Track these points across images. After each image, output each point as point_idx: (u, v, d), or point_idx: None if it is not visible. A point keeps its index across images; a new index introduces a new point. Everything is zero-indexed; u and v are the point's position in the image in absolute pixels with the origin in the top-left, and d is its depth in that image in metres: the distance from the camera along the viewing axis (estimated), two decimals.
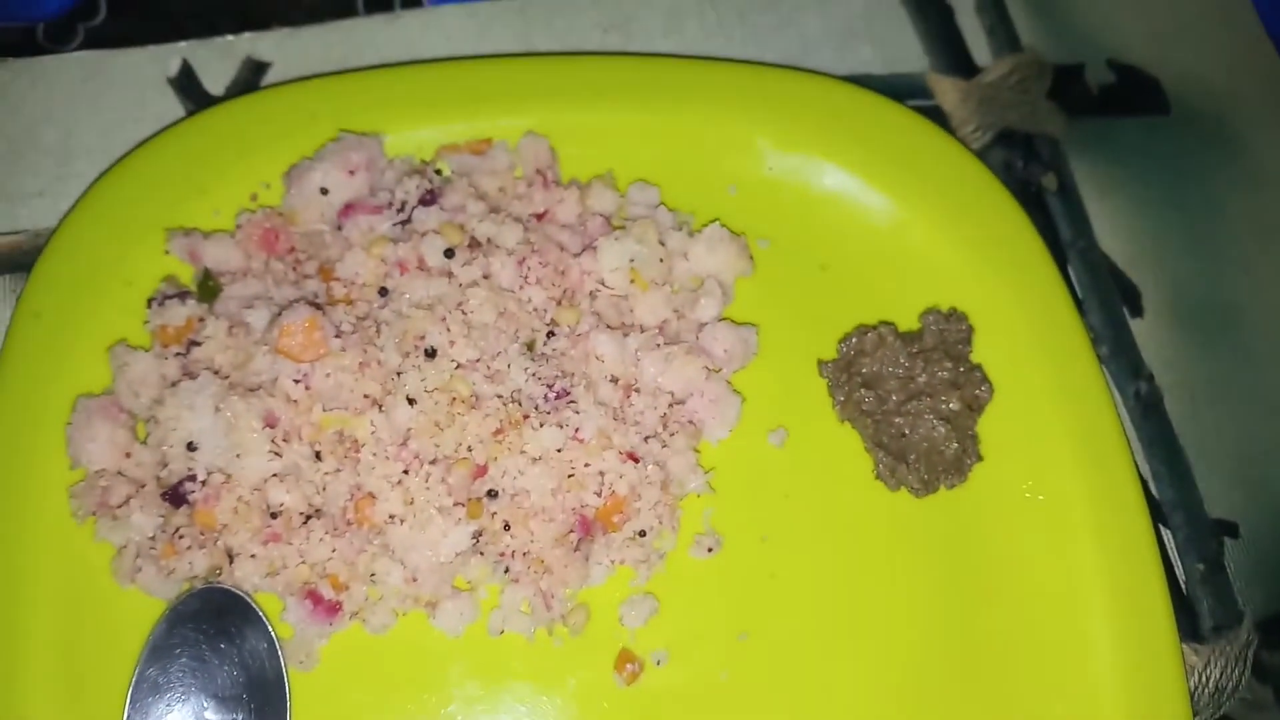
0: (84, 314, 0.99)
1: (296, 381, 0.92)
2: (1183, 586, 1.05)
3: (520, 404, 0.94)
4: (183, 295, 0.98)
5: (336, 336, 0.93)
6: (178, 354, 0.96)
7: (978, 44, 1.23)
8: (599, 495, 0.95)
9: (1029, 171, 1.18)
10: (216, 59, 1.15)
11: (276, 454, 0.91)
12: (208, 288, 0.99)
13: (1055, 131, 1.20)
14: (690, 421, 0.99)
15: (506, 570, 0.94)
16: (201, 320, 0.96)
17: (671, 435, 0.97)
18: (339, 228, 1.01)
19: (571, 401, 0.95)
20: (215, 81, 1.14)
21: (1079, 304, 1.05)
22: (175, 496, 0.92)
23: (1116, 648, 0.95)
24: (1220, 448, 1.09)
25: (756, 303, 1.05)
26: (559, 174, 1.06)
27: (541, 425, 0.93)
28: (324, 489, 0.92)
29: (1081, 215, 1.17)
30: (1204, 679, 1.02)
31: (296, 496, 0.92)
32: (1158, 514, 1.06)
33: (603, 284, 1.00)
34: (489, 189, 1.03)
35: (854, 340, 1.03)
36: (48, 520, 0.93)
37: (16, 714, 0.89)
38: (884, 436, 1.00)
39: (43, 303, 0.98)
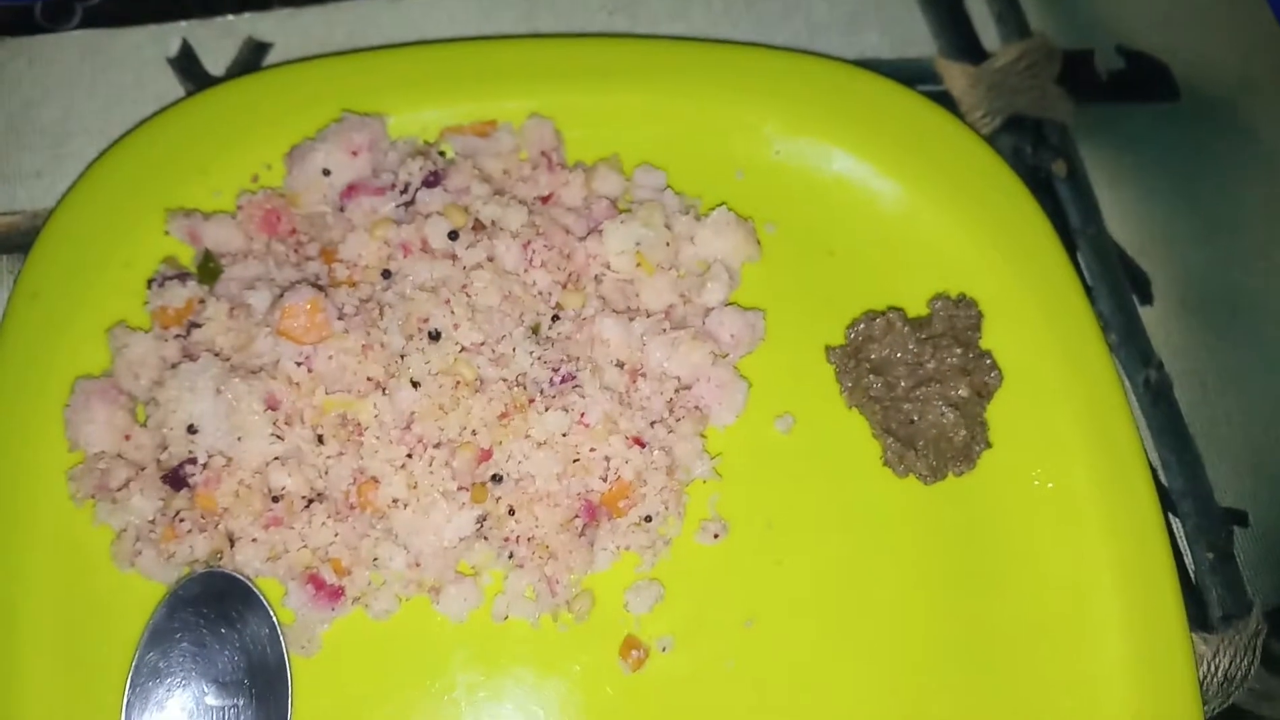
0: (83, 295, 0.98)
1: (298, 364, 0.91)
2: (1192, 575, 1.05)
3: (525, 388, 0.93)
4: (183, 276, 0.97)
5: (339, 319, 0.92)
6: (178, 336, 0.95)
7: (986, 29, 1.22)
8: (604, 480, 0.94)
9: (1038, 157, 1.17)
10: (217, 39, 1.14)
11: (278, 437, 0.90)
12: (208, 269, 0.97)
13: (1064, 117, 1.19)
14: (696, 407, 0.98)
15: (511, 555, 0.93)
16: (202, 302, 0.95)
17: (677, 420, 0.97)
18: (341, 209, 1.00)
19: (577, 386, 0.94)
20: (215, 62, 1.13)
21: (1088, 291, 1.04)
22: (175, 479, 0.91)
23: (1125, 636, 0.94)
24: (1230, 436, 1.09)
25: (763, 288, 1.04)
26: (564, 156, 1.05)
27: (547, 409, 0.92)
28: (326, 472, 0.91)
29: (1091, 202, 1.16)
30: (1213, 668, 1.01)
31: (298, 480, 0.90)
32: (1167, 502, 1.05)
33: (608, 268, 0.99)
34: (493, 171, 1.02)
35: (862, 326, 1.02)
36: (46, 503, 0.92)
37: (16, 699, 0.88)
38: (892, 423, 0.99)
39: (41, 284, 0.97)
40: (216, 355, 0.93)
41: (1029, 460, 1.00)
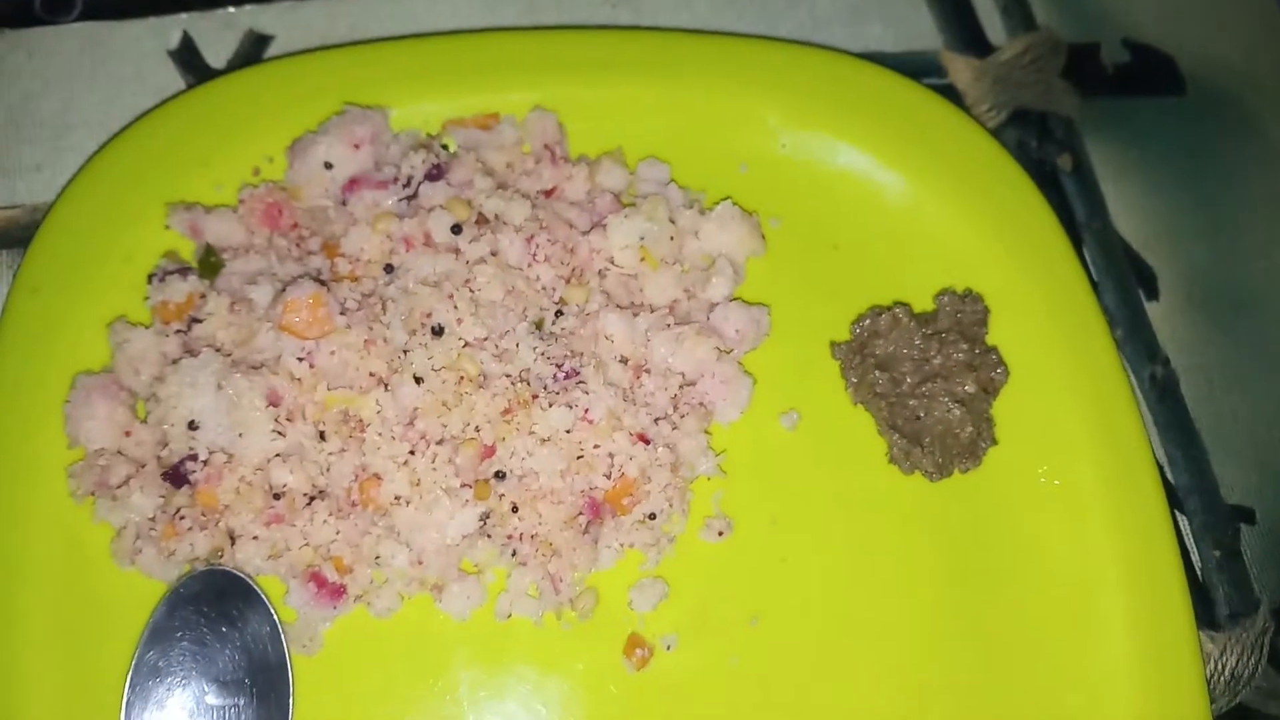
0: (82, 290, 0.97)
1: (300, 359, 0.90)
2: (1198, 573, 1.04)
3: (529, 384, 0.92)
4: (184, 271, 0.96)
5: (341, 313, 0.91)
6: (178, 331, 0.94)
7: (992, 22, 1.21)
8: (608, 477, 0.93)
9: (1043, 151, 1.16)
10: (218, 31, 1.13)
11: (280, 433, 0.89)
12: (209, 263, 0.97)
13: (1070, 111, 1.18)
14: (701, 403, 0.98)
15: (514, 553, 0.92)
16: (203, 296, 0.94)
17: (682, 417, 0.96)
18: (343, 203, 0.99)
19: (581, 382, 0.93)
20: (216, 55, 1.12)
21: (1094, 286, 1.03)
22: (176, 476, 0.90)
23: (1132, 634, 0.94)
24: (1237, 433, 1.08)
25: (768, 283, 1.03)
26: (567, 150, 1.04)
27: (550, 405, 0.91)
28: (328, 469, 0.91)
29: (1096, 196, 1.15)
30: (1220, 667, 1.01)
31: (300, 477, 0.90)
32: (1173, 500, 1.05)
33: (612, 262, 0.99)
34: (496, 164, 1.02)
35: (868, 321, 1.01)
36: (46, 500, 0.92)
37: (16, 698, 0.87)
38: (898, 419, 0.98)
39: (40, 279, 0.96)
40: (217, 351, 0.92)
41: (1035, 457, 0.99)
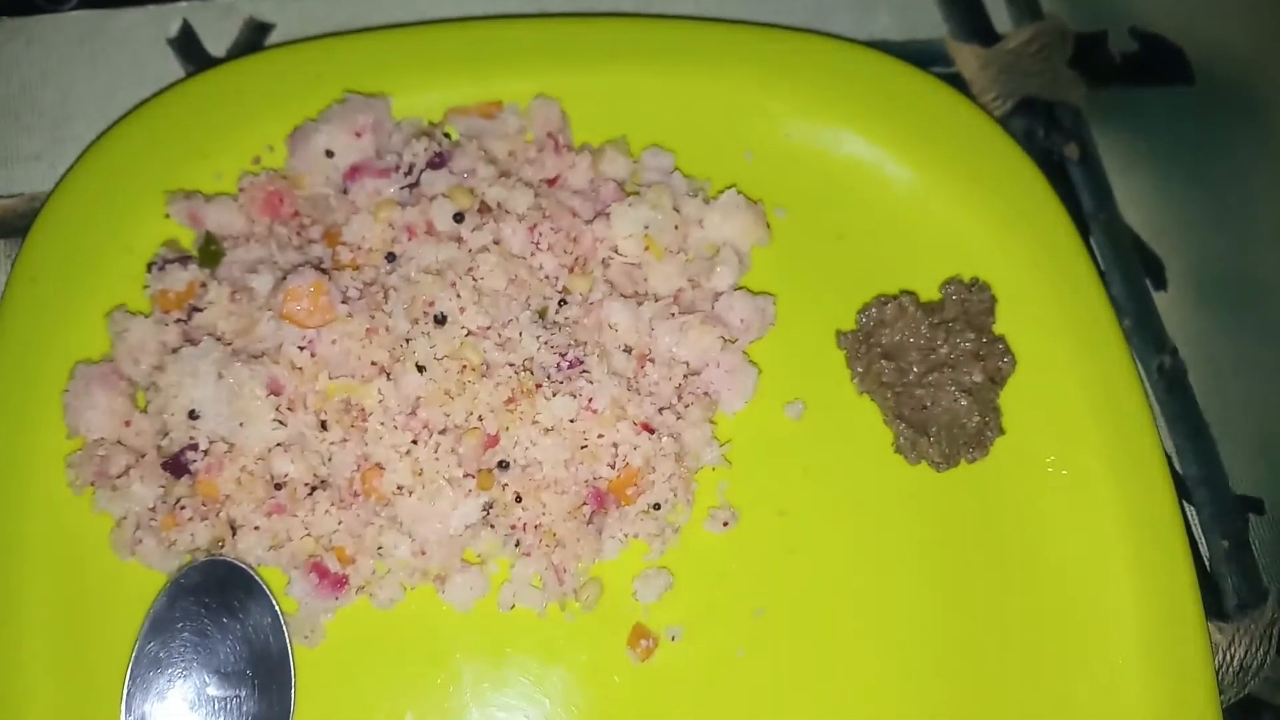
0: (82, 279, 0.96)
1: (301, 348, 0.89)
2: (1207, 564, 1.03)
3: (532, 373, 0.92)
4: (184, 260, 0.95)
5: (343, 302, 0.90)
6: (179, 320, 0.93)
7: (998, 10, 1.20)
8: (612, 467, 0.92)
9: (1050, 141, 1.15)
10: (217, 20, 1.12)
11: (281, 423, 0.89)
12: (209, 252, 0.96)
13: (1077, 100, 1.17)
14: (705, 393, 0.97)
15: (517, 544, 0.91)
16: (203, 285, 0.94)
17: (686, 407, 0.95)
18: (345, 191, 0.98)
19: (585, 371, 0.92)
20: (216, 43, 1.11)
21: (1101, 276, 1.03)
22: (176, 466, 0.90)
23: (1141, 625, 0.93)
24: (1245, 423, 1.07)
25: (773, 272, 1.02)
26: (570, 138, 1.03)
27: (554, 395, 0.91)
28: (330, 459, 0.90)
29: (1104, 186, 1.14)
30: (1228, 658, 1.00)
31: (301, 467, 0.89)
32: (1181, 490, 1.04)
33: (616, 251, 0.98)
34: (499, 153, 1.01)
35: (874, 310, 1.00)
36: (45, 491, 0.91)
37: (15, 689, 0.87)
38: (904, 409, 0.98)
39: (39, 268, 0.96)
40: (218, 340, 0.91)
41: (1043, 447, 0.98)
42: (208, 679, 0.86)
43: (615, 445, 0.92)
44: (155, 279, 0.94)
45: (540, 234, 0.96)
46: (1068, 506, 0.97)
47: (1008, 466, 0.98)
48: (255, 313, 0.91)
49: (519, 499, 0.90)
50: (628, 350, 0.95)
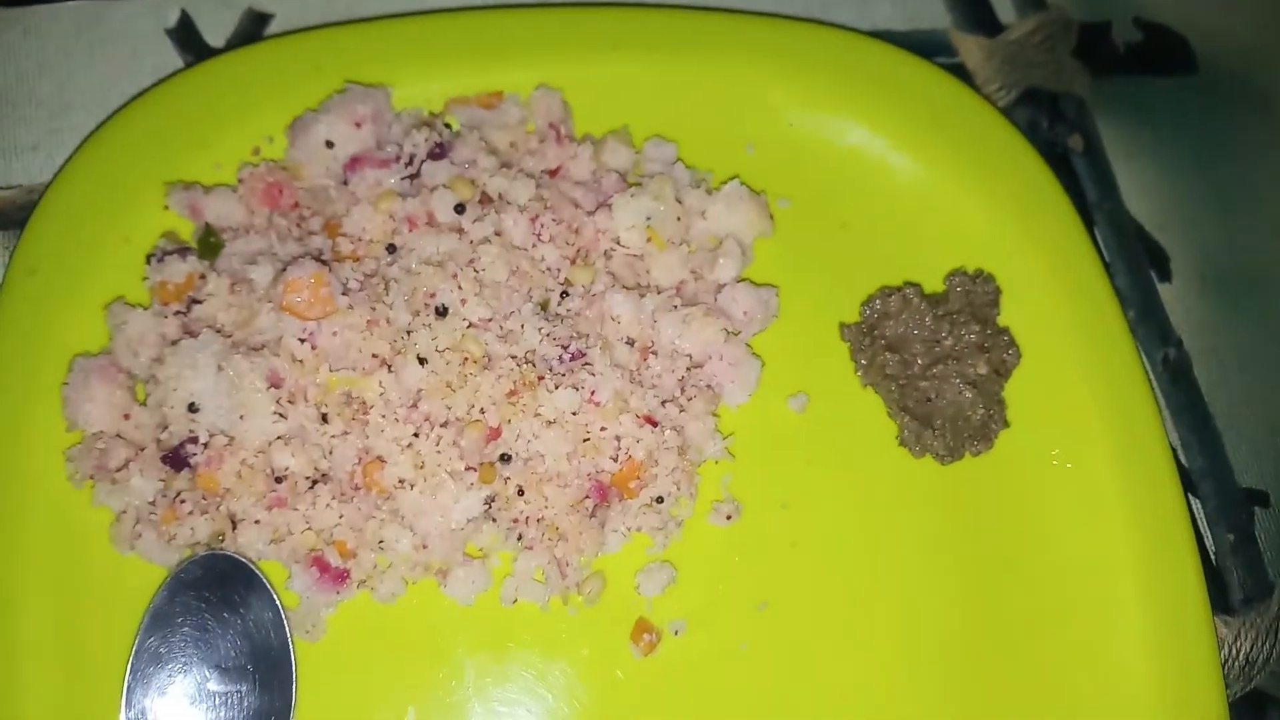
0: (80, 271, 0.95)
1: (302, 340, 0.89)
2: (1212, 557, 1.03)
3: (534, 365, 0.91)
4: (183, 251, 0.95)
5: (343, 294, 0.90)
6: (178, 312, 0.93)
7: (1002, 1, 1.19)
8: (615, 460, 0.92)
9: (1054, 132, 1.15)
10: (216, 10, 1.11)
11: (281, 415, 0.88)
12: (209, 244, 0.95)
13: (1081, 91, 1.16)
14: (708, 385, 0.96)
15: (520, 537, 0.91)
16: (203, 277, 0.93)
17: (689, 399, 0.95)
18: (345, 182, 0.97)
19: (587, 363, 0.92)
20: (215, 33, 1.11)
21: (1106, 268, 1.02)
22: (176, 459, 0.89)
23: (1146, 619, 0.93)
24: (1250, 415, 1.07)
25: (776, 263, 1.01)
26: (572, 129, 1.03)
27: (556, 387, 0.90)
28: (331, 452, 0.89)
29: (1108, 176, 1.14)
30: (1234, 651, 1.00)
31: (302, 460, 0.88)
32: (1187, 483, 1.03)
33: (618, 243, 0.97)
34: (500, 143, 1.00)
35: (877, 302, 1.00)
36: (44, 484, 0.91)
37: (15, 685, 0.86)
38: (908, 401, 0.97)
39: (37, 260, 0.95)
40: (218, 332, 0.90)
41: (1048, 439, 0.98)
42: (208, 674, 0.86)
43: (618, 438, 0.92)
44: (154, 271, 0.94)
45: (542, 225, 0.95)
46: (1073, 500, 0.96)
47: (1012, 459, 0.97)
48: (255, 305, 0.90)
49: (521, 492, 0.90)
50: (630, 343, 0.94)
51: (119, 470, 0.89)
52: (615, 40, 1.04)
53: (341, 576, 0.89)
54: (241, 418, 0.88)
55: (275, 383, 0.88)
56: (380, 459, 0.89)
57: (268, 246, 0.94)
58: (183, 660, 0.86)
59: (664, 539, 0.93)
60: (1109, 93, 1.17)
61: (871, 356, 0.98)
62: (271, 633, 0.87)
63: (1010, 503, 0.96)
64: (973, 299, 1.00)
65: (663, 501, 0.92)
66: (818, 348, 1.00)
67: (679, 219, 0.98)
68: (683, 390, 0.95)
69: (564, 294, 0.95)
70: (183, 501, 0.88)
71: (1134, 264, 1.11)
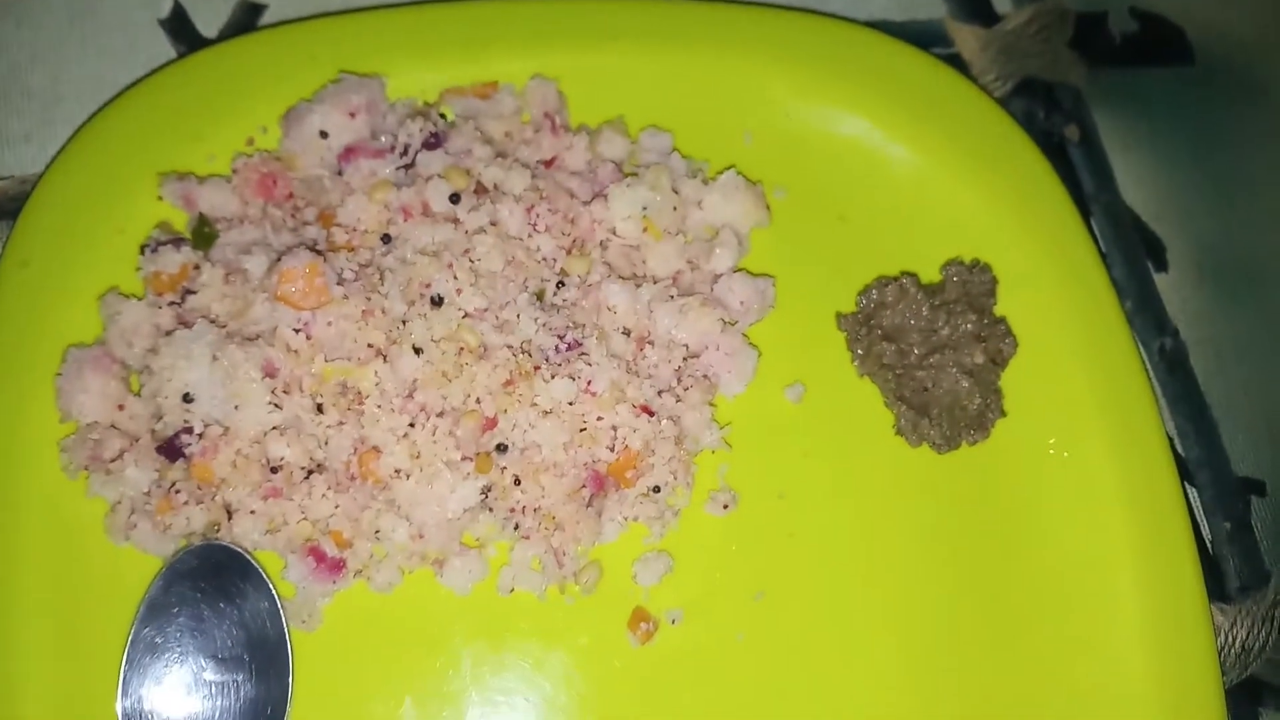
0: (74, 262, 0.95)
1: (297, 330, 0.88)
2: (1209, 546, 1.03)
3: (530, 355, 0.91)
4: (177, 242, 0.94)
5: (338, 284, 0.89)
6: (172, 303, 0.92)
7: None
8: (611, 450, 0.91)
9: (1051, 122, 1.15)
10: (209, 0, 1.11)
11: (276, 406, 0.88)
12: (203, 234, 0.95)
13: (1077, 81, 1.16)
14: (705, 375, 0.96)
15: (516, 527, 0.91)
16: (197, 267, 0.93)
17: (686, 389, 0.94)
18: (339, 172, 0.97)
19: (583, 353, 0.91)
20: (208, 24, 1.10)
21: (1102, 258, 1.02)
22: (171, 450, 0.89)
23: (1143, 607, 0.93)
24: (1247, 405, 1.07)
25: (773, 254, 1.01)
26: (568, 119, 1.02)
27: (553, 377, 0.90)
28: (326, 442, 0.89)
29: (1104, 167, 1.14)
30: (1230, 639, 1.00)
31: (298, 450, 0.88)
32: (1183, 472, 1.03)
33: (614, 233, 0.97)
34: (495, 133, 1.00)
35: (874, 292, 0.99)
36: (38, 476, 0.90)
37: (10, 675, 0.86)
38: (905, 391, 0.97)
39: (31, 251, 0.95)
40: (212, 322, 0.90)
41: (1044, 428, 0.98)
42: (204, 664, 0.86)
43: (614, 428, 0.91)
44: (148, 261, 0.93)
45: (537, 215, 0.95)
46: (1069, 489, 0.96)
47: (1009, 449, 0.97)
48: (250, 295, 0.90)
49: (518, 482, 0.90)
50: (626, 332, 0.94)
51: (114, 461, 0.89)
52: (610, 30, 1.03)
53: (338, 566, 0.89)
54: (236, 408, 0.87)
55: (270, 373, 0.88)
56: (376, 449, 0.88)
57: (262, 237, 0.94)
58: (179, 650, 0.86)
59: (661, 528, 0.93)
60: (1105, 83, 1.17)
61: (868, 346, 0.98)
62: (268, 622, 0.87)
63: (1007, 492, 0.96)
64: (969, 289, 1.00)
65: (659, 491, 0.92)
66: (814, 337, 1.00)
67: (675, 209, 0.97)
68: (679, 380, 0.95)
69: (560, 284, 0.94)
70: (178, 492, 0.88)
71: (1130, 254, 1.11)
